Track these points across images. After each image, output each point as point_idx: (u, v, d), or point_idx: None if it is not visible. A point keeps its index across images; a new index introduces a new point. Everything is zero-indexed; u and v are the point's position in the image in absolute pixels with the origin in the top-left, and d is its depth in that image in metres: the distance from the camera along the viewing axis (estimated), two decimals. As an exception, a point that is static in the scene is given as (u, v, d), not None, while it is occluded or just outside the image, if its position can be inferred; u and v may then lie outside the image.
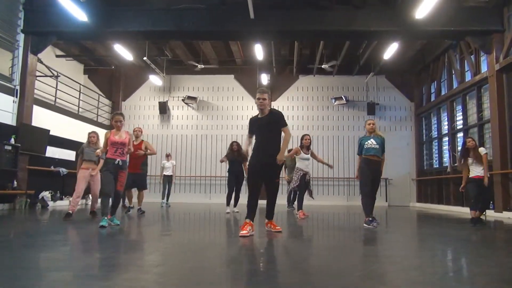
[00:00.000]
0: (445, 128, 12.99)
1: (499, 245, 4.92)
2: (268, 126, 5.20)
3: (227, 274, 2.89)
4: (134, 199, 8.86)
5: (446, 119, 12.78)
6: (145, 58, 12.99)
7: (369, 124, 6.53)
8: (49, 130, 10.73)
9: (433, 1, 8.08)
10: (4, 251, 3.72)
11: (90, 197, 8.03)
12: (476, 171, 6.91)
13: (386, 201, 14.29)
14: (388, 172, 13.89)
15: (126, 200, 8.77)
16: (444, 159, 13.00)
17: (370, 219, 6.19)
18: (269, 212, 5.34)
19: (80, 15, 9.14)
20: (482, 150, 7.04)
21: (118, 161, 5.80)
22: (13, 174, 9.54)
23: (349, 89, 15.42)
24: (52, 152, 11.15)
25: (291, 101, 15.54)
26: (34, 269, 2.94)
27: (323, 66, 13.48)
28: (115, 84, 15.88)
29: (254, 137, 5.38)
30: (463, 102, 11.68)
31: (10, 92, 9.90)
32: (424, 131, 14.72)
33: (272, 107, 5.51)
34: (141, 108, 15.93)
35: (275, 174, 5.21)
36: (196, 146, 15.47)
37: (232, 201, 9.17)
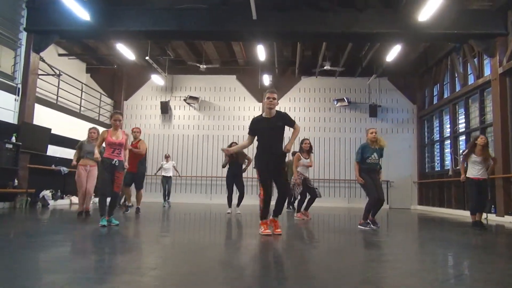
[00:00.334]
0: (447, 131, 12.94)
1: (500, 250, 4.88)
2: (276, 127, 5.19)
3: (224, 279, 2.87)
4: (133, 198, 8.84)
5: (449, 122, 12.73)
6: (147, 58, 12.98)
7: (372, 133, 6.44)
8: (50, 129, 10.74)
9: (436, 4, 8.03)
10: (1, 251, 3.70)
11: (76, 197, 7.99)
12: (476, 170, 6.79)
13: (387, 203, 14.21)
14: (390, 175, 13.88)
15: (124, 199, 8.78)
16: (446, 162, 12.95)
17: (367, 221, 6.22)
18: (278, 210, 5.32)
19: (82, 14, 9.12)
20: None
21: (115, 161, 5.77)
22: (14, 172, 9.54)
23: (351, 91, 15.38)
24: (53, 151, 11.16)
25: (293, 102, 15.50)
26: (30, 271, 2.92)
27: (325, 67, 13.43)
28: (117, 83, 15.88)
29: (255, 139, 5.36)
30: (465, 105, 11.63)
31: (12, 90, 9.90)
32: (426, 133, 14.67)
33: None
34: (143, 108, 15.93)
35: (284, 172, 5.46)
36: (198, 146, 15.46)
37: (235, 202, 9.15)
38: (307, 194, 8.23)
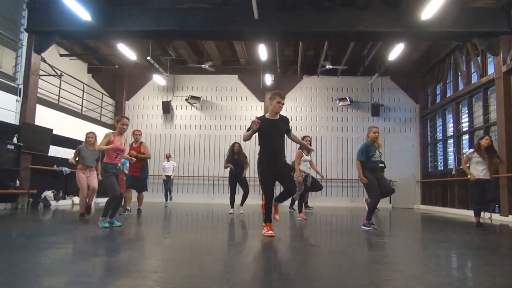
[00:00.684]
0: (450, 130, 12.86)
1: (505, 252, 4.82)
2: (280, 130, 5.20)
3: (227, 281, 2.83)
4: (134, 199, 8.82)
5: (452, 121, 12.65)
6: (148, 58, 12.95)
7: (375, 132, 6.36)
8: (52, 130, 10.72)
9: (439, 2, 7.96)
10: (0, 253, 3.67)
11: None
12: (479, 170, 6.67)
13: (390, 203, 14.16)
14: (392, 174, 13.82)
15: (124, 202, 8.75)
16: (449, 162, 12.87)
17: (371, 222, 6.18)
18: (281, 198, 5.32)
19: (83, 14, 9.11)
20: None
21: (119, 166, 5.84)
22: (16, 173, 9.52)
23: (354, 90, 15.31)
24: (55, 151, 11.14)
25: (295, 101, 15.45)
26: (29, 273, 2.88)
27: (327, 66, 13.37)
28: (118, 83, 15.86)
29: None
30: (469, 104, 11.56)
31: (13, 91, 9.89)
32: (429, 133, 14.59)
33: None
34: (145, 108, 15.90)
35: (291, 176, 5.58)
36: (199, 146, 15.42)
37: (238, 201, 9.12)
38: (309, 193, 8.22)
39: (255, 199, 13.99)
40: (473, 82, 11.26)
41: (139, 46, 13.18)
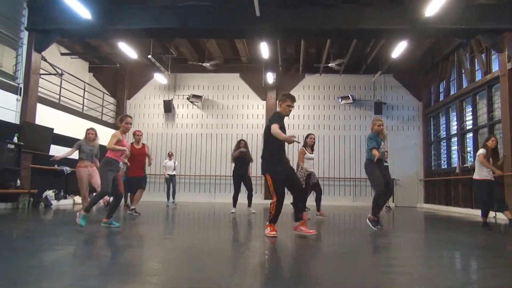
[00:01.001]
0: (454, 128, 12.75)
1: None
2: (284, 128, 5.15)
3: (228, 285, 2.75)
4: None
5: (455, 119, 12.53)
6: (149, 56, 12.86)
7: (379, 125, 6.32)
8: (52, 129, 10.66)
9: (443, -1, 7.86)
10: (-1, 255, 3.61)
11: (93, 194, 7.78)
12: (486, 171, 6.58)
13: (393, 201, 14.03)
14: (395, 172, 13.69)
15: (128, 202, 8.71)
16: (453, 160, 12.76)
17: (376, 219, 6.06)
18: (301, 210, 5.25)
19: (83, 12, 9.04)
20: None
21: (121, 164, 5.75)
22: (16, 173, 9.47)
23: (356, 88, 15.20)
24: (56, 150, 11.03)
25: (297, 100, 15.04)
26: (27, 276, 2.81)
27: (329, 64, 13.27)
28: (120, 82, 15.79)
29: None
30: (473, 102, 11.43)
31: (13, 90, 9.82)
32: (432, 131, 14.47)
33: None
34: (146, 107, 15.83)
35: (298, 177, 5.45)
36: (201, 145, 15.34)
37: (240, 201, 9.07)
38: (313, 192, 8.14)
39: (258, 198, 13.92)
40: (477, 79, 11.13)
41: (140, 44, 13.10)
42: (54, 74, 11.64)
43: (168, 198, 11.90)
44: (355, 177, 14.55)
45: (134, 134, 8.24)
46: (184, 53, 14.09)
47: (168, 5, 9.79)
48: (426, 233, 6.81)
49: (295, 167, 7.97)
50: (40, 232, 5.59)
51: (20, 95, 9.95)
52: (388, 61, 13.17)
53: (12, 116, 9.70)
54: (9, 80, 9.78)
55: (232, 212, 8.84)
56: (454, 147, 12.61)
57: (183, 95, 15.51)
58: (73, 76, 12.91)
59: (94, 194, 5.79)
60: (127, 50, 12.20)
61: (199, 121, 15.55)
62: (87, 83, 14.33)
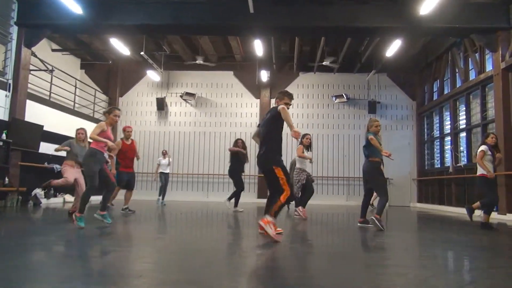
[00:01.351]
0: (447, 127, 12.75)
1: (508, 252, 4.68)
2: None
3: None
4: (119, 198, 8.68)
5: (449, 118, 12.53)
6: (142, 53, 12.71)
7: (377, 126, 6.33)
8: (42, 126, 10.49)
9: (438, -3, 7.82)
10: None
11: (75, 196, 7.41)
12: (491, 168, 6.48)
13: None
14: (389, 172, 13.63)
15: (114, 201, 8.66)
16: (446, 159, 12.77)
17: (381, 220, 5.99)
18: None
19: (74, 7, 8.88)
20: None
21: (105, 155, 5.65)
22: (4, 170, 9.29)
23: (350, 87, 15.15)
24: (46, 148, 10.88)
25: (291, 98, 15.22)
26: (7, 278, 2.69)
27: (324, 62, 13.19)
28: (112, 79, 15.60)
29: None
30: (466, 101, 11.43)
31: (2, 86, 9.64)
32: (426, 130, 14.48)
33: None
34: (139, 104, 15.66)
35: None
36: (194, 144, 15.21)
37: (233, 200, 9.04)
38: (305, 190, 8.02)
39: (250, 197, 13.85)
40: (471, 79, 11.13)
41: (133, 41, 12.94)
42: (45, 70, 11.43)
43: (160, 195, 11.75)
44: (349, 176, 14.52)
45: (124, 130, 8.15)
46: (177, 51, 13.93)
47: (161, 1, 9.65)
48: (420, 232, 6.77)
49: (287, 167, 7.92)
50: (27, 231, 5.44)
51: (9, 91, 9.76)
52: (382, 60, 13.14)
53: (0, 112, 9.52)
54: (-2, 75, 9.60)
55: (241, 211, 8.88)
56: (448, 147, 12.61)
57: (176, 93, 15.36)
58: (64, 72, 12.71)
59: (84, 192, 5.63)
60: (119, 46, 12.04)
61: (192, 119, 15.42)
62: (78, 80, 14.13)
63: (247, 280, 2.93)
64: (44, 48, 12.39)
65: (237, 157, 9.13)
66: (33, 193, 10.09)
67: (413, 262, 3.82)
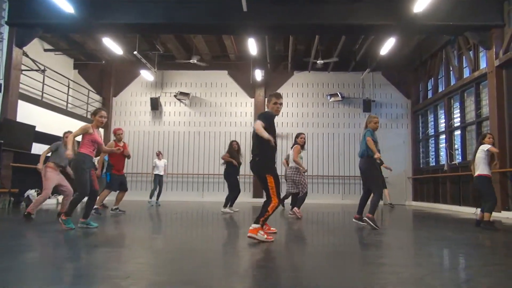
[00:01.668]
0: (442, 125, 12.76)
1: (503, 249, 4.65)
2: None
3: None
4: (109, 198, 8.62)
5: (443, 116, 12.54)
6: (135, 53, 12.61)
7: (376, 123, 6.31)
8: (34, 126, 10.38)
9: (432, -6, 7.80)
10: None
11: (62, 196, 7.19)
12: (489, 167, 6.36)
13: (382, 199, 14.01)
14: (384, 170, 13.62)
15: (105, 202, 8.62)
16: (441, 157, 12.78)
17: (374, 219, 5.95)
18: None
19: (66, 6, 8.78)
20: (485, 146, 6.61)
21: (93, 159, 5.53)
22: (-4, 171, 9.18)
23: (345, 86, 15.13)
24: (38, 149, 10.73)
25: (285, 97, 15.13)
26: (-6, 281, 2.63)
27: (318, 61, 13.15)
28: (105, 79, 15.49)
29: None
30: (461, 99, 11.44)
31: (-7, 86, 9.53)
32: (420, 128, 14.49)
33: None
34: (132, 104, 15.55)
35: None
36: (189, 143, 15.13)
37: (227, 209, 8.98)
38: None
39: (245, 197, 13.78)
40: (465, 76, 11.14)
41: (126, 40, 12.84)
42: (36, 70, 11.31)
43: (151, 197, 11.65)
44: (344, 175, 14.50)
45: (115, 133, 8.07)
46: (171, 50, 13.85)
47: (154, 0, 9.58)
48: (416, 231, 6.74)
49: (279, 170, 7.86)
50: (17, 232, 5.35)
51: (0, 92, 9.63)
52: (377, 59, 13.13)
53: (-9, 113, 9.41)
54: (-11, 76, 9.47)
55: (236, 210, 8.87)
56: (442, 145, 12.62)
57: (170, 93, 15.27)
58: (56, 72, 12.59)
59: (73, 197, 5.54)
60: (113, 46, 11.93)
61: (187, 119, 15.33)
62: (71, 80, 14.01)
63: (240, 280, 2.88)
64: (36, 48, 12.27)
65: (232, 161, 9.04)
66: (25, 195, 9.97)
67: (408, 260, 3.78)
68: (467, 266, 3.51)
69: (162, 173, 11.75)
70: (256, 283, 2.79)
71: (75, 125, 10.75)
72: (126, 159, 8.10)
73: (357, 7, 9.43)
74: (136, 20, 9.66)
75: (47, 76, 11.94)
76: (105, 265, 3.26)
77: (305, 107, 15.15)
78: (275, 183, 4.58)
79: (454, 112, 11.97)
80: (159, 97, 15.21)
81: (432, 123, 13.52)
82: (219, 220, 7.37)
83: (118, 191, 8.14)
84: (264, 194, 4.76)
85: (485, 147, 6.39)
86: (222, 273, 3.07)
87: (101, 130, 14.47)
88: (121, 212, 7.98)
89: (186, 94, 14.92)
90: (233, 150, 9.05)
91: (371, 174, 6.17)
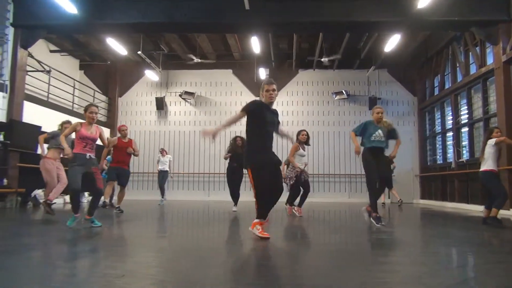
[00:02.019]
0: (449, 122, 12.60)
1: (507, 248, 4.56)
2: (275, 122, 4.74)
3: None
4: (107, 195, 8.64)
5: (450, 113, 12.39)
6: (139, 52, 12.65)
7: (378, 112, 6.09)
8: (40, 127, 10.43)
9: (437, -11, 7.70)
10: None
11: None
12: (497, 163, 6.28)
13: (389, 197, 13.90)
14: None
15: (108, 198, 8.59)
16: (448, 155, 12.63)
17: (378, 216, 5.84)
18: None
19: (69, 7, 8.83)
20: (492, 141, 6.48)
21: (89, 156, 5.41)
22: (3, 171, 9.26)
23: (350, 84, 15.03)
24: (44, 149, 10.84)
25: (290, 96, 15.17)
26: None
27: (322, 59, 13.07)
28: (111, 79, 15.58)
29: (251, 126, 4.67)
30: (468, 95, 11.29)
31: (-1, 87, 9.61)
32: (427, 126, 14.34)
33: None
34: (138, 104, 15.61)
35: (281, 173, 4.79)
36: (194, 143, 15.15)
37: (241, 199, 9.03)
38: (300, 188, 7.89)
39: (249, 195, 13.75)
40: (471, 73, 10.99)
41: (130, 40, 12.88)
42: (41, 71, 11.39)
43: (162, 195, 11.60)
44: (351, 174, 14.41)
45: (119, 130, 8.12)
46: (175, 49, 13.86)
47: (156, -1, 9.59)
48: (422, 229, 6.65)
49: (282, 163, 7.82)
50: (22, 232, 5.37)
51: (6, 93, 9.73)
52: (382, 56, 13.00)
53: (-2, 114, 9.49)
54: (-5, 77, 9.56)
55: (234, 210, 8.79)
56: (450, 142, 12.47)
57: (176, 92, 15.29)
58: (62, 73, 12.67)
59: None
60: (117, 46, 11.98)
61: (192, 118, 15.35)
62: (77, 81, 14.10)
63: (236, 280, 2.85)
64: (41, 49, 12.37)
65: (234, 155, 8.98)
66: (32, 194, 10.03)
67: (410, 259, 3.70)
68: (469, 264, 3.45)
69: (166, 169, 11.72)
70: (250, 282, 2.76)
71: (66, 119, 10.82)
72: (131, 155, 8.03)
73: (361, 3, 9.34)
74: (136, 20, 9.65)
75: (53, 77, 12.03)
76: (102, 263, 3.25)
77: (310, 105, 15.08)
78: (253, 178, 4.47)
79: (461, 109, 11.82)
80: (164, 96, 15.25)
81: (439, 120, 13.36)
82: (223, 219, 7.34)
83: (118, 190, 8.16)
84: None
85: (492, 141, 6.28)
86: (218, 272, 3.04)
87: (107, 130, 14.55)
88: (120, 211, 7.90)
89: (191, 94, 14.94)
90: (237, 146, 8.94)
91: (363, 163, 6.05)
